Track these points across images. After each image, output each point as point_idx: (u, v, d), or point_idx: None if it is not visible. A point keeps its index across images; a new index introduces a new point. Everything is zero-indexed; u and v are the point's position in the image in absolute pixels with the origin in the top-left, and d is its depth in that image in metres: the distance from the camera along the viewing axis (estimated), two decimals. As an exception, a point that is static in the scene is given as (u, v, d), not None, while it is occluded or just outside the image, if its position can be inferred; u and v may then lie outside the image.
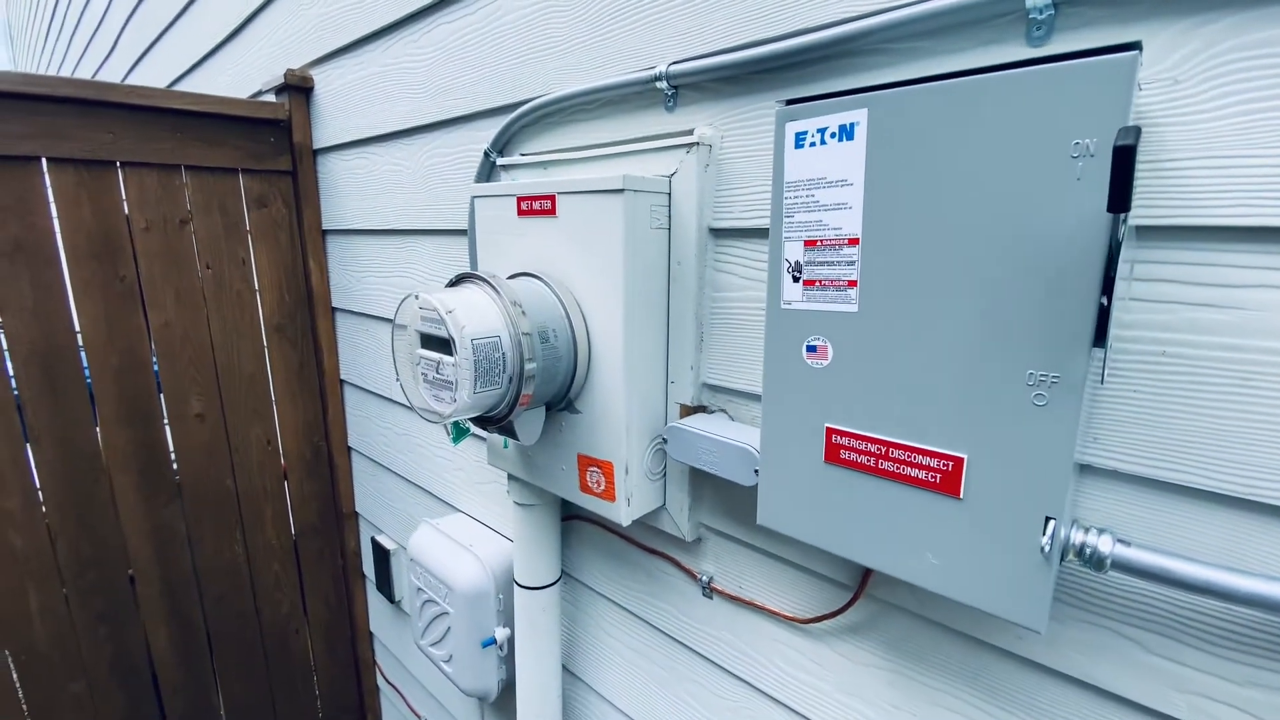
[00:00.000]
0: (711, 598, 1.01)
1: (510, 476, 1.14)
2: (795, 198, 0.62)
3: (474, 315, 0.82)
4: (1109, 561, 0.57)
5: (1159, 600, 0.61)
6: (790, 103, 0.62)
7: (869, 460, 0.62)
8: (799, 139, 0.61)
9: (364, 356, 1.82)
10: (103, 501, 1.62)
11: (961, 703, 0.76)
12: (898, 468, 0.60)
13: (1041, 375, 0.51)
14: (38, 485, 1.53)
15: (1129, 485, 0.61)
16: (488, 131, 1.22)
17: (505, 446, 1.11)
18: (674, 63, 0.86)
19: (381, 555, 1.89)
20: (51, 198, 1.48)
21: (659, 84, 0.89)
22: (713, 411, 0.94)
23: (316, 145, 1.81)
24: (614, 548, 1.17)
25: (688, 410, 0.94)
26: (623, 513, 0.92)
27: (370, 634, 2.19)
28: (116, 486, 1.63)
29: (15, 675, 1.56)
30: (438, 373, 0.84)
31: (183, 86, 2.69)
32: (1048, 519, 0.53)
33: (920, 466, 0.59)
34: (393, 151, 1.52)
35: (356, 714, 2.25)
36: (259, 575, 1.92)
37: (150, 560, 1.71)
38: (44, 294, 1.48)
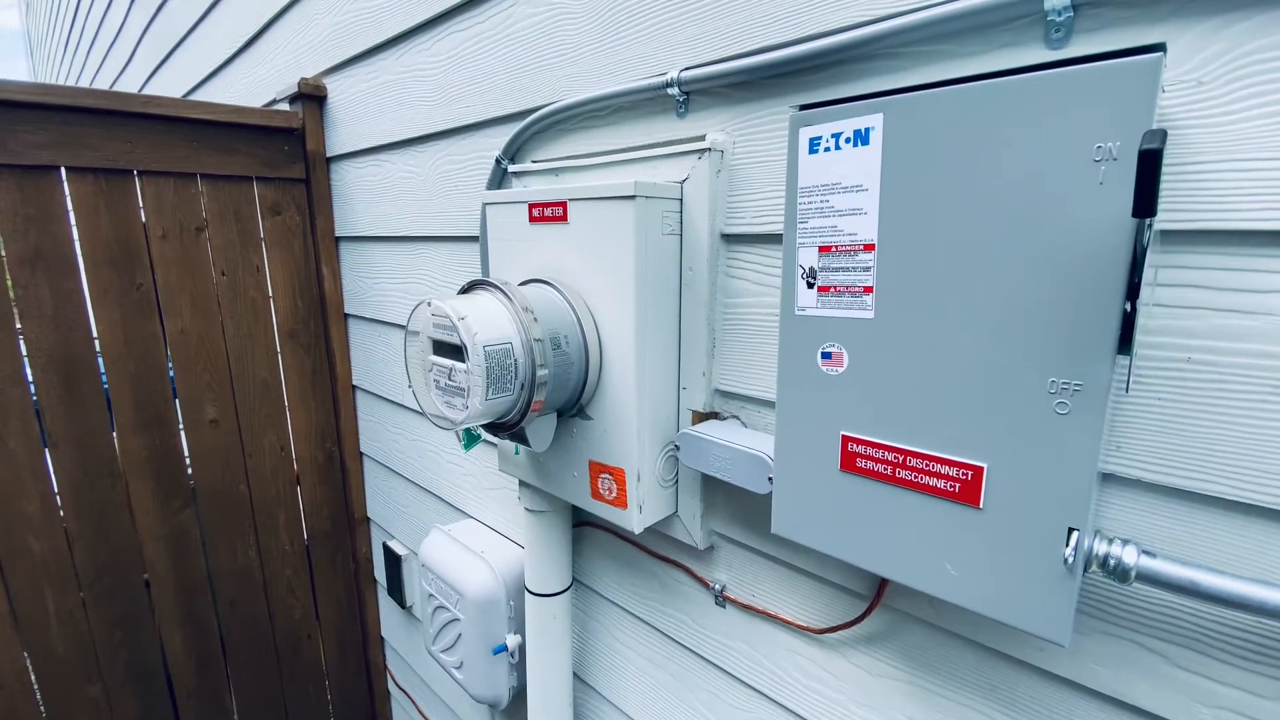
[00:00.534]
0: (724, 606, 1.00)
1: (521, 483, 1.14)
2: (809, 203, 0.62)
3: (486, 322, 0.82)
4: (1134, 573, 0.56)
5: (1185, 613, 0.60)
6: (804, 108, 0.61)
7: (886, 469, 0.61)
8: (813, 144, 0.60)
9: (376, 362, 1.82)
10: (119, 506, 1.63)
11: (980, 715, 0.74)
12: (915, 477, 0.59)
13: (1064, 383, 0.50)
14: (55, 490, 1.54)
15: (1153, 495, 0.60)
16: (499, 139, 1.22)
17: (516, 453, 1.11)
18: (685, 69, 0.86)
19: (393, 560, 1.89)
20: (70, 206, 1.50)
21: (670, 90, 0.88)
22: (725, 418, 0.93)
23: (329, 153, 1.82)
24: (625, 555, 1.16)
25: (700, 417, 0.93)
26: (635, 520, 0.92)
27: (381, 639, 2.19)
28: (133, 491, 1.65)
29: (33, 678, 1.57)
30: (450, 379, 0.84)
31: (198, 96, 2.73)
32: (1071, 530, 0.52)
33: (939, 475, 0.58)
34: (405, 159, 1.53)
35: (368, 718, 2.25)
36: (272, 580, 1.93)
37: (165, 565, 1.73)
38: (63, 301, 1.50)
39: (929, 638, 0.77)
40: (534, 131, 1.13)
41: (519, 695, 1.41)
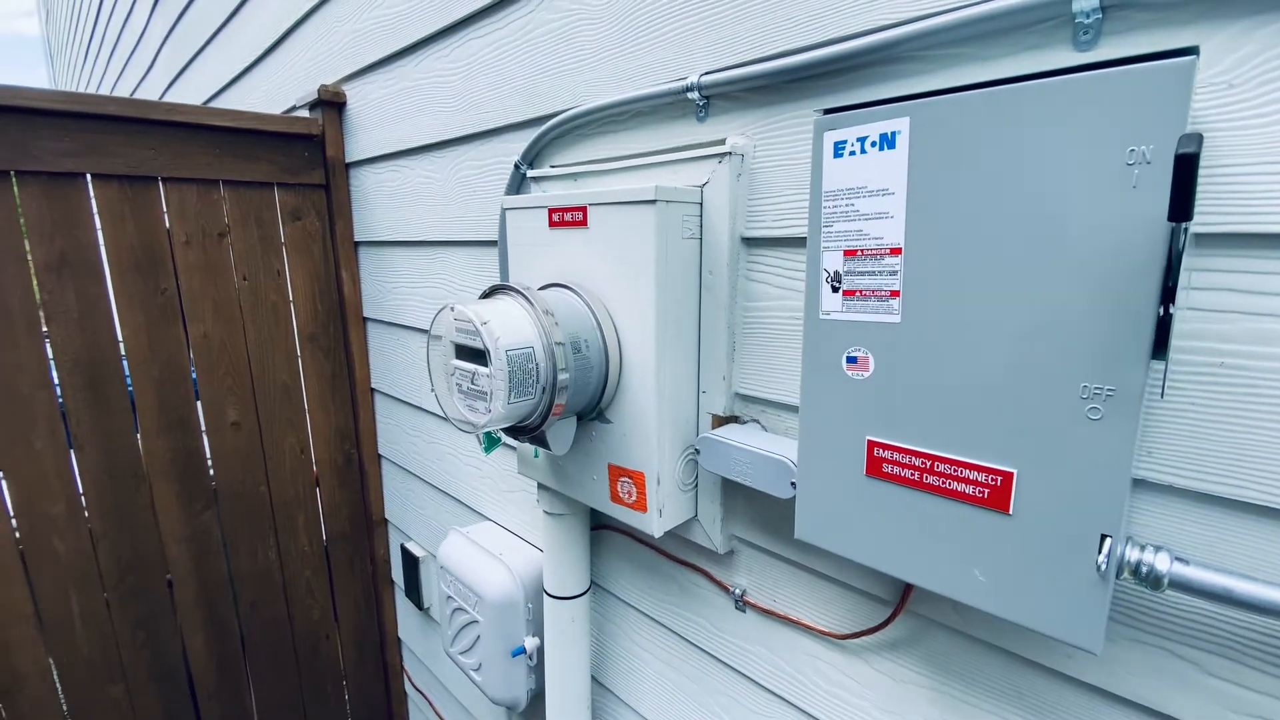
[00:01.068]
0: (744, 611, 1.00)
1: (540, 486, 1.14)
2: (834, 207, 0.62)
3: (508, 326, 0.82)
4: (1166, 580, 0.55)
5: (1217, 620, 0.59)
6: (829, 112, 0.61)
7: (913, 474, 0.60)
8: (838, 148, 0.60)
9: (394, 365, 1.84)
10: (143, 508, 1.66)
11: (1007, 723, 0.74)
12: (943, 482, 0.59)
13: (1096, 388, 0.50)
14: (81, 491, 1.57)
15: (1184, 501, 0.59)
16: (518, 144, 1.23)
17: (535, 456, 1.11)
18: (706, 73, 0.86)
19: (410, 562, 1.90)
20: (96, 212, 1.53)
21: (690, 94, 0.89)
22: (745, 422, 0.93)
23: (349, 159, 1.84)
24: (644, 559, 1.16)
25: (720, 420, 0.93)
26: (655, 524, 0.92)
27: (399, 640, 2.20)
28: (156, 493, 1.67)
29: (57, 678, 1.60)
30: (473, 383, 0.84)
31: (219, 103, 2.77)
32: (1104, 536, 0.51)
33: (967, 481, 0.57)
34: (423, 164, 1.54)
35: (385, 719, 2.27)
36: (291, 581, 1.95)
37: (188, 566, 1.75)
38: (89, 306, 1.53)
39: (954, 644, 0.77)
40: (553, 137, 1.14)
41: (537, 698, 1.41)
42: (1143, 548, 0.56)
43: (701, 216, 0.88)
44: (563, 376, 0.85)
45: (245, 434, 1.80)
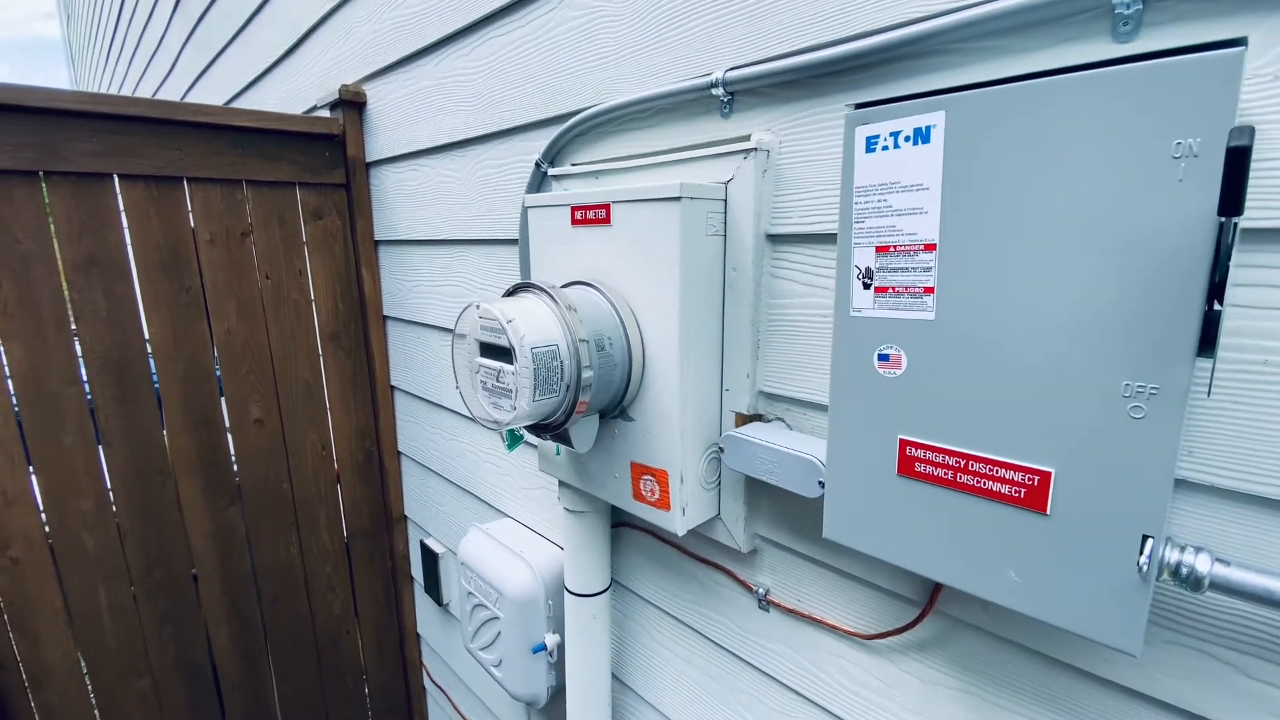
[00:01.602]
0: (768, 610, 1.00)
1: (561, 483, 1.15)
2: (866, 203, 0.61)
3: (533, 324, 0.82)
4: (1207, 581, 0.54)
5: (1256, 621, 0.58)
6: (860, 106, 0.61)
7: (946, 473, 0.60)
8: (870, 143, 0.60)
9: (414, 363, 1.85)
10: (169, 503, 1.68)
11: (1039, 725, 0.73)
12: (978, 481, 0.58)
13: (1139, 386, 0.49)
14: (109, 487, 1.60)
15: (1226, 501, 0.58)
16: (538, 142, 1.23)
17: (557, 453, 1.11)
18: (731, 68, 0.86)
19: (430, 558, 1.92)
20: (123, 212, 1.55)
21: (715, 90, 0.88)
22: (770, 420, 0.93)
23: (369, 158, 1.86)
24: (665, 557, 1.16)
25: (744, 419, 0.93)
26: (678, 522, 0.92)
27: (418, 636, 2.22)
28: (182, 489, 1.70)
29: (85, 670, 1.63)
30: (498, 381, 0.85)
31: (239, 104, 2.80)
32: (1145, 537, 0.51)
33: (1003, 481, 0.56)
34: (443, 163, 1.55)
35: (404, 714, 2.29)
36: (313, 577, 1.97)
37: (212, 561, 1.78)
38: (116, 305, 1.55)
39: (984, 645, 0.76)
40: (574, 134, 1.14)
41: (557, 694, 1.41)
42: (1182, 549, 0.55)
43: (726, 213, 0.88)
44: (587, 374, 0.85)
45: (268, 431, 1.82)
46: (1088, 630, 0.54)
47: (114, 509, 1.61)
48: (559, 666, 1.38)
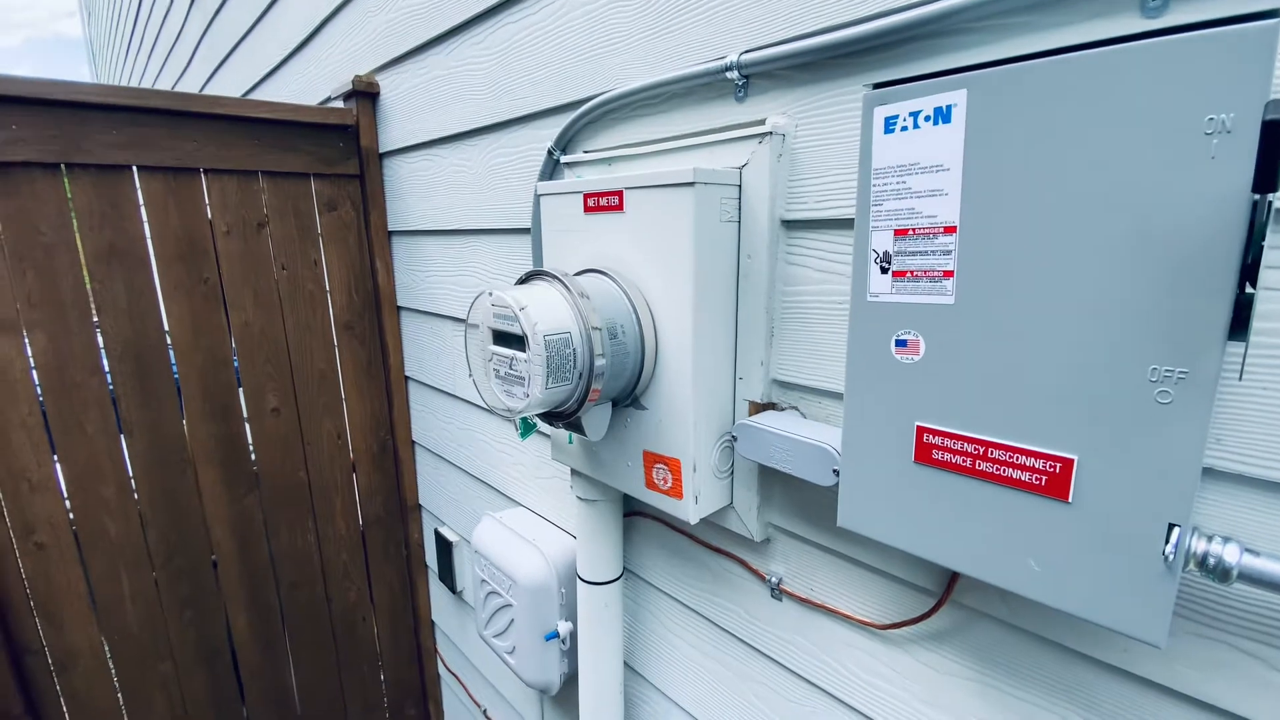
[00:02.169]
0: (781, 599, 0.99)
1: (574, 472, 1.15)
2: (884, 185, 0.60)
3: (546, 312, 0.82)
4: (1236, 572, 0.52)
5: (1287, 615, 0.56)
6: (879, 86, 0.59)
7: (965, 461, 0.59)
8: (889, 124, 0.58)
9: (428, 353, 1.86)
10: (189, 491, 1.71)
11: (1058, 718, 0.72)
12: (997, 469, 0.57)
13: (1166, 371, 0.48)
14: (131, 475, 1.62)
15: (1255, 490, 0.56)
16: (550, 130, 1.23)
17: (570, 442, 1.11)
18: (746, 51, 0.84)
19: (444, 547, 1.93)
20: (142, 204, 1.57)
21: (729, 74, 0.87)
22: (783, 409, 0.92)
23: (382, 149, 1.86)
24: (677, 545, 1.16)
25: (757, 407, 0.92)
26: (691, 511, 0.91)
27: (432, 623, 2.25)
28: (201, 477, 1.72)
29: (109, 653, 1.66)
30: (511, 368, 0.84)
31: (255, 97, 2.82)
32: (1171, 526, 0.49)
33: (1024, 468, 0.55)
34: (456, 153, 1.55)
35: (419, 700, 2.32)
36: (329, 564, 2.00)
37: (231, 548, 1.80)
38: (136, 296, 1.57)
39: (1002, 636, 0.75)
40: (586, 121, 1.13)
41: (570, 681, 1.42)
42: (1210, 538, 0.54)
43: (740, 199, 0.87)
44: (599, 362, 0.85)
45: (285, 420, 1.84)
46: (1110, 621, 0.53)
47: (136, 496, 1.64)
48: (572, 654, 1.39)
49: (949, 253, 0.57)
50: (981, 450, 0.57)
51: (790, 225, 0.86)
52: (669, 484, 0.94)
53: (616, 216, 0.92)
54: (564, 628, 1.36)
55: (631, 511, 1.24)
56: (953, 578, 0.76)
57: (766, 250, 0.87)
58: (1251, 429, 0.55)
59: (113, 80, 7.59)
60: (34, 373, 1.47)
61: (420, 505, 2.15)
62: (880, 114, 0.59)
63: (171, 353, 1.65)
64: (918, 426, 0.61)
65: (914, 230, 0.58)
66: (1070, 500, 0.53)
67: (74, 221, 1.49)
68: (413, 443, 2.09)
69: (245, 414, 1.78)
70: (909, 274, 0.59)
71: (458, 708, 2.22)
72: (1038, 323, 0.53)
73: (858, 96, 0.76)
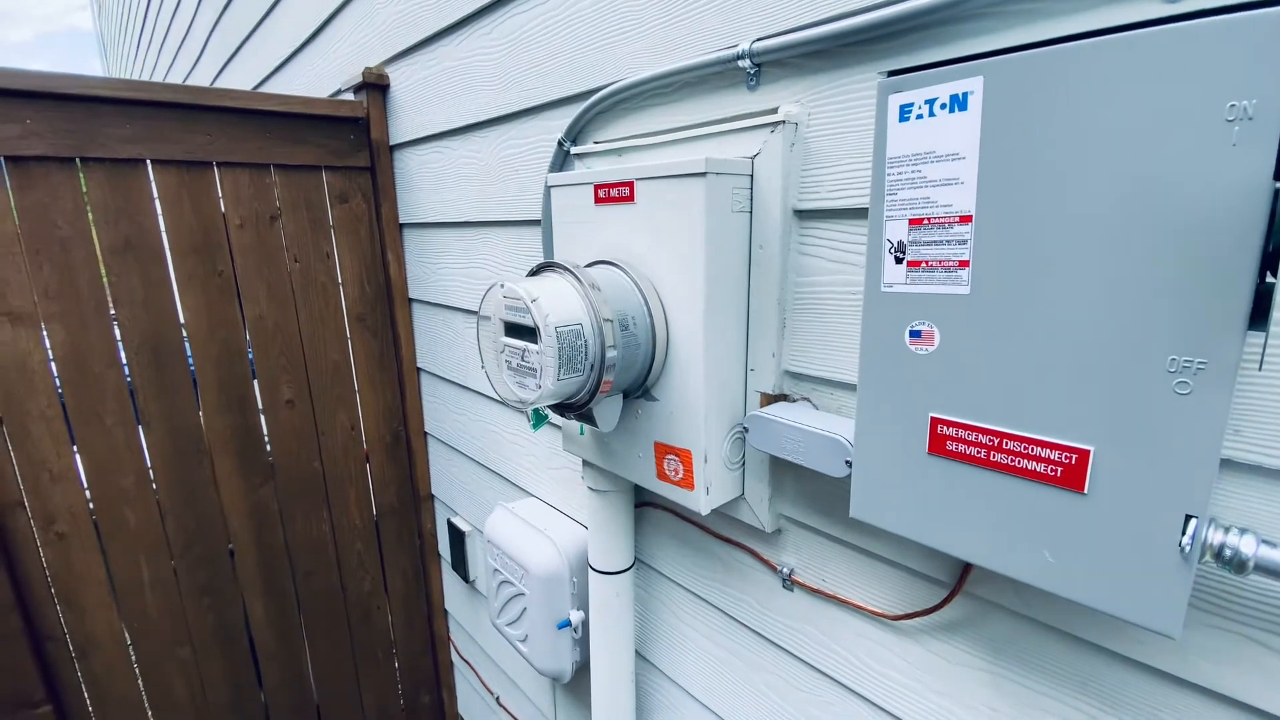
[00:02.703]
0: (792, 590, 0.99)
1: (585, 463, 1.15)
2: (899, 174, 0.59)
3: (557, 303, 0.82)
4: (1251, 564, 0.52)
5: (1304, 607, 0.56)
6: (894, 74, 0.59)
7: (979, 452, 0.58)
8: (904, 112, 0.58)
9: (439, 345, 1.87)
10: (206, 481, 1.73)
11: (1070, 709, 0.72)
12: (1012, 460, 0.57)
13: (1185, 361, 0.47)
14: (149, 465, 1.65)
15: (1273, 481, 0.56)
16: (560, 121, 1.22)
17: (581, 433, 1.12)
18: (758, 39, 0.84)
19: (457, 536, 1.95)
20: (156, 197, 1.58)
21: (741, 62, 0.86)
22: (795, 400, 0.92)
23: (393, 141, 1.86)
24: (688, 536, 1.16)
25: (769, 399, 0.92)
26: (702, 501, 0.92)
27: (445, 611, 2.27)
28: (218, 467, 1.75)
29: (129, 640, 1.69)
30: (523, 360, 0.85)
31: (266, 90, 2.83)
32: (1188, 517, 0.49)
33: (1039, 459, 0.55)
34: (466, 145, 1.55)
35: (433, 687, 2.35)
36: (344, 553, 2.02)
37: (248, 536, 1.83)
38: (152, 288, 1.59)
39: (1014, 627, 0.75)
40: (597, 112, 1.13)
41: (582, 669, 1.44)
42: (1226, 530, 0.53)
43: (752, 189, 0.86)
44: (611, 354, 0.85)
45: (299, 412, 1.86)
46: (1125, 612, 0.53)
47: (154, 486, 1.66)
48: (583, 642, 1.40)
49: (964, 242, 0.56)
50: (996, 442, 0.57)
51: (803, 215, 0.86)
52: (680, 475, 0.94)
53: (627, 207, 0.92)
54: (576, 616, 1.37)
55: (643, 502, 1.25)
56: (965, 569, 0.76)
57: (779, 240, 0.86)
58: (1270, 420, 0.55)
59: (124, 74, 7.63)
60: (52, 365, 1.50)
61: (433, 495, 2.17)
62: (895, 102, 0.58)
63: (187, 345, 1.66)
64: (932, 418, 0.61)
65: (929, 220, 0.58)
66: (1086, 492, 0.53)
67: (89, 215, 1.51)
68: (425, 434, 2.11)
69: (260, 406, 1.80)
70: (924, 264, 0.59)
71: (471, 695, 2.24)
72: (1055, 313, 0.53)
73: (872, 84, 0.75)
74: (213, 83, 3.60)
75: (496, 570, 1.51)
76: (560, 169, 1.24)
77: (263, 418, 1.81)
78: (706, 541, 1.13)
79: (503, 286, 0.85)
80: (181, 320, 1.65)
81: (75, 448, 1.56)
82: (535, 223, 1.36)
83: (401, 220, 1.91)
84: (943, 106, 0.55)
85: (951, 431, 0.60)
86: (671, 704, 1.31)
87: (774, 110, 0.85)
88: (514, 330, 0.86)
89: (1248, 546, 0.52)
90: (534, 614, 1.40)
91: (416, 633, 2.25)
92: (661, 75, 0.98)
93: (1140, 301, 0.49)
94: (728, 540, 1.08)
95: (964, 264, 0.56)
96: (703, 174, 0.80)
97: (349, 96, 1.89)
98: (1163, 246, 0.47)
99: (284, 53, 2.48)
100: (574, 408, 0.92)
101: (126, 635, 1.69)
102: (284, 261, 1.78)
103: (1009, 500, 0.58)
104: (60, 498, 1.54)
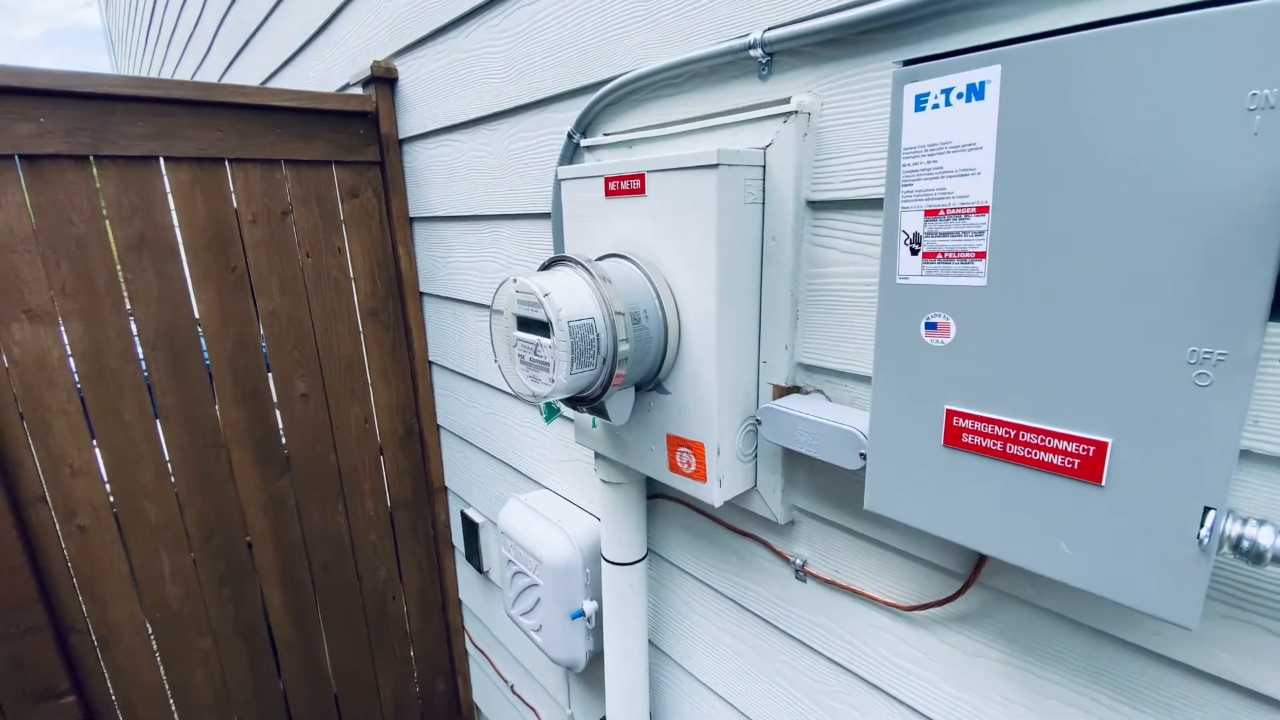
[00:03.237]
0: (805, 581, 1.00)
1: (597, 455, 1.16)
2: (915, 164, 0.59)
3: (570, 298, 0.82)
4: (1270, 555, 0.52)
5: (1325, 599, 0.56)
6: (909, 63, 0.58)
7: (995, 444, 0.58)
8: (919, 101, 0.57)
9: (451, 338, 1.88)
10: (223, 475, 1.76)
11: (1085, 699, 0.72)
12: (1029, 452, 0.56)
13: (1205, 353, 0.47)
14: (167, 459, 1.67)
15: (1294, 473, 0.55)
16: (569, 113, 1.22)
17: (594, 426, 1.12)
18: (769, 28, 0.83)
19: (470, 528, 1.97)
20: (169, 193, 1.59)
21: (753, 52, 0.86)
22: (808, 392, 0.92)
23: (402, 135, 1.86)
24: (701, 528, 1.17)
25: (781, 391, 0.92)
26: (715, 494, 0.92)
27: (459, 602, 2.30)
28: (235, 461, 1.77)
29: (150, 630, 1.73)
30: (535, 354, 0.85)
31: (274, 84, 2.83)
32: (1207, 509, 0.49)
33: (1056, 451, 0.55)
34: (475, 138, 1.55)
35: (448, 676, 2.38)
36: (359, 544, 2.05)
37: (265, 529, 1.85)
38: (167, 284, 1.61)
39: (1029, 618, 0.75)
40: (606, 103, 1.12)
41: (596, 659, 1.45)
42: (1244, 521, 0.53)
43: (764, 180, 0.86)
44: (623, 347, 0.85)
45: (313, 405, 1.88)
46: (1142, 604, 0.53)
47: (172, 480, 1.69)
48: (597, 632, 1.41)
49: (981, 233, 0.56)
50: (1013, 434, 0.57)
51: (816, 206, 0.85)
52: (692, 467, 0.94)
53: (638, 200, 0.92)
54: (589, 607, 1.38)
55: (655, 494, 1.25)
56: (980, 560, 0.76)
57: (792, 232, 0.86)
58: (1292, 410, 0.54)
59: (133, 69, 7.66)
60: (71, 361, 1.52)
61: (446, 487, 2.19)
62: (911, 91, 0.58)
63: (203, 340, 1.68)
64: (947, 410, 0.61)
65: (945, 210, 0.58)
66: (1103, 483, 0.53)
67: (104, 212, 1.52)
68: (438, 426, 2.12)
69: (275, 399, 1.82)
70: (940, 255, 0.59)
71: (485, 683, 2.27)
72: (1073, 305, 0.52)
73: (886, 73, 0.74)
74: (222, 77, 3.61)
75: (510, 561, 1.53)
76: (570, 161, 1.23)
77: (278, 411, 1.83)
78: (719, 533, 1.13)
79: (515, 281, 0.85)
80: (196, 315, 1.66)
81: (95, 442, 1.59)
82: (545, 216, 1.36)
83: (411, 214, 1.92)
84: (959, 96, 0.55)
85: (967, 424, 0.60)
86: (685, 692, 1.32)
87: (786, 100, 0.84)
88: (526, 324, 0.86)
89: (1266, 538, 0.52)
90: (548, 604, 1.41)
91: (431, 622, 2.28)
92: (672, 66, 0.97)
93: (1160, 293, 0.48)
94: (740, 532, 1.08)
95: (981, 255, 0.56)
96: (714, 166, 0.80)
97: (357, 90, 1.89)
98: (1183, 237, 0.47)
99: (292, 46, 2.48)
100: (586, 401, 0.92)
101: (148, 626, 1.72)
102: (296, 256, 1.79)
103: (1025, 492, 0.58)
104: (81, 492, 1.57)
